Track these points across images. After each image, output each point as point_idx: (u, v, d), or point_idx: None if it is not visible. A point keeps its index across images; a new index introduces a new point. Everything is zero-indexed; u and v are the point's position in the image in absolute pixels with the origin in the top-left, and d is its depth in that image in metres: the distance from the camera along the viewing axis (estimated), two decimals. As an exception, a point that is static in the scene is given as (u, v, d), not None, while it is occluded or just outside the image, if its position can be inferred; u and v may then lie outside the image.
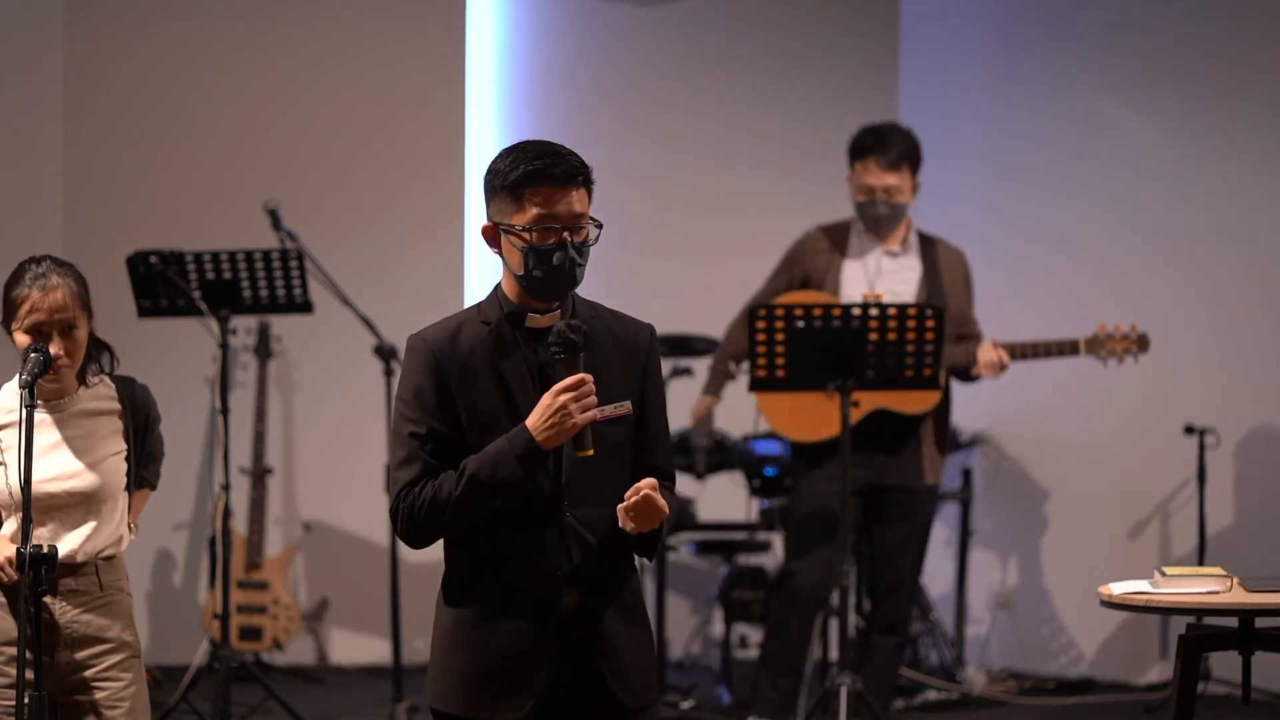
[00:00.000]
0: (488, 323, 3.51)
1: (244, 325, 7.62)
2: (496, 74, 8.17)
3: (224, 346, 6.37)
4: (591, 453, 3.41)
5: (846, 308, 5.85)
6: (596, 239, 3.50)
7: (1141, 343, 6.30)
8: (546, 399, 3.40)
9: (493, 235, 3.53)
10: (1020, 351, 6.22)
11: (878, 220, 6.26)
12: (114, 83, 7.95)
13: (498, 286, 3.56)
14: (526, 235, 3.45)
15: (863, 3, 8.31)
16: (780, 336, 5.82)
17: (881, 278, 6.26)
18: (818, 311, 5.83)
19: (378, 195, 8.02)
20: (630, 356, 3.55)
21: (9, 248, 7.54)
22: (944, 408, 6.28)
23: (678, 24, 8.22)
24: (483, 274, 8.11)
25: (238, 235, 7.08)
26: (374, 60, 8.03)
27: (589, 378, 3.40)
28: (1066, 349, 6.27)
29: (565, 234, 3.44)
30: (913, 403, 6.13)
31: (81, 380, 4.21)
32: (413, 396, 3.49)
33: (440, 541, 3.54)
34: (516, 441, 3.40)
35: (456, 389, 3.47)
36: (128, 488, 4.23)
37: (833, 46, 8.25)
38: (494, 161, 3.52)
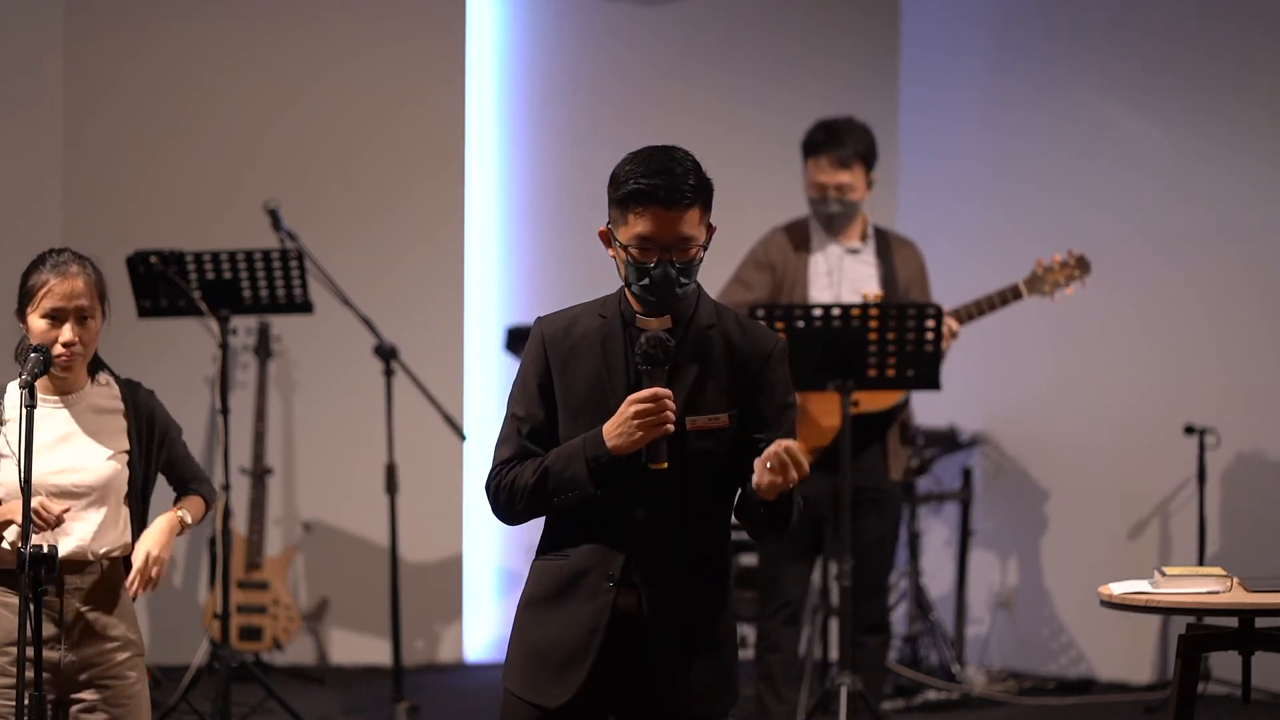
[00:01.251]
0: (604, 316, 3.56)
1: (244, 325, 7.62)
2: (496, 74, 8.17)
3: (224, 346, 6.37)
4: (665, 466, 3.44)
5: (846, 308, 5.85)
6: (703, 256, 3.50)
7: (1082, 264, 6.28)
8: (623, 406, 3.44)
9: (606, 239, 3.56)
10: (966, 314, 6.20)
11: (830, 218, 6.25)
12: (114, 83, 7.94)
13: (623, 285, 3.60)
14: (628, 251, 3.47)
15: (863, 3, 8.30)
16: (780, 337, 5.81)
17: (844, 276, 6.25)
18: (818, 311, 5.83)
19: (378, 195, 8.02)
20: (744, 367, 3.56)
21: (9, 248, 7.55)
22: (904, 403, 6.28)
23: (678, 24, 8.22)
24: (483, 274, 8.11)
25: (238, 235, 7.08)
26: (374, 60, 8.03)
27: (666, 393, 3.42)
28: (1009, 295, 6.24)
29: (667, 254, 3.45)
30: (878, 400, 6.12)
31: (92, 377, 4.23)
32: (521, 378, 3.59)
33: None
34: (590, 443, 3.46)
35: (558, 377, 3.54)
36: (129, 496, 4.22)
37: (833, 46, 8.24)
38: (617, 166, 3.52)
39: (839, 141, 6.18)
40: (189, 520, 4.30)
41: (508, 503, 3.54)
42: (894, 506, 6.32)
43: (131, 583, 4.18)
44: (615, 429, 3.43)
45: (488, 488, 3.58)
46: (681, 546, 3.51)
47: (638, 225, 3.45)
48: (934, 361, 5.88)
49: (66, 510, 4.05)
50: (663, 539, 3.50)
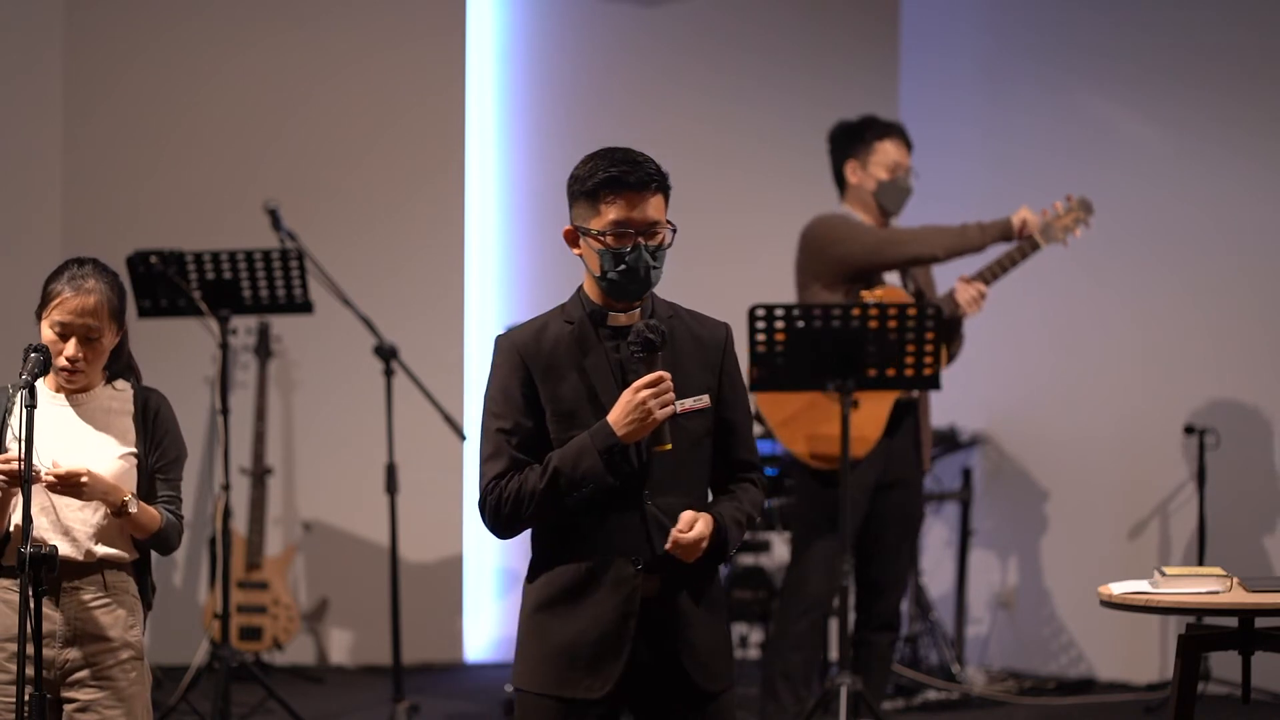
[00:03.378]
0: (570, 321, 3.69)
1: (244, 325, 7.62)
2: (497, 75, 8.17)
3: (224, 346, 6.38)
4: (670, 447, 3.59)
5: (846, 308, 5.85)
6: (670, 243, 3.67)
7: (1084, 206, 6.31)
8: (627, 395, 3.57)
9: (573, 238, 3.69)
10: (990, 274, 6.24)
11: (905, 195, 6.29)
12: (114, 83, 7.95)
13: (580, 287, 3.72)
14: (603, 239, 3.61)
15: (863, 3, 8.31)
16: (780, 336, 5.82)
17: None
18: (817, 312, 5.83)
19: (378, 196, 8.03)
20: (708, 354, 3.73)
21: (9, 248, 7.57)
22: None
23: (678, 24, 8.22)
24: (483, 274, 8.11)
25: (238, 235, 7.08)
26: (375, 61, 8.03)
27: (667, 375, 3.57)
28: (1028, 249, 6.25)
29: (640, 239, 3.61)
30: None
31: (109, 381, 4.22)
32: (499, 393, 3.69)
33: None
34: (599, 436, 3.57)
35: (541, 385, 3.65)
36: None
37: (833, 46, 8.25)
38: (576, 167, 3.67)
39: (901, 125, 6.27)
40: (133, 510, 4.07)
41: (513, 513, 3.61)
42: (918, 502, 6.35)
43: (48, 473, 3.96)
44: (625, 417, 3.55)
45: (483, 504, 3.66)
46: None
47: (611, 212, 3.61)
48: (934, 361, 5.88)
49: (55, 468, 3.99)
50: (672, 521, 3.60)
